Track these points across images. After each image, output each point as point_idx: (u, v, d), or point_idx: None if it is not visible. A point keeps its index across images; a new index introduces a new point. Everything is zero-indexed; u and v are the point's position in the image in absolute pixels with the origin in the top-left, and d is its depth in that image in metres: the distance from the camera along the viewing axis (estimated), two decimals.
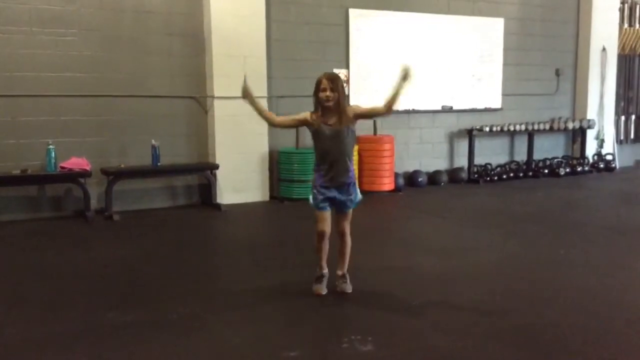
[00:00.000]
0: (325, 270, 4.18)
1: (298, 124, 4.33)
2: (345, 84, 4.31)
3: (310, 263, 4.35)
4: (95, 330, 3.49)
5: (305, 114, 4.09)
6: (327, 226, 4.06)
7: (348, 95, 8.55)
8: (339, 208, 4.12)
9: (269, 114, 4.19)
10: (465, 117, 9.61)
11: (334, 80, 3.97)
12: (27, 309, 3.90)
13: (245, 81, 4.07)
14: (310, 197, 4.09)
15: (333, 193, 4.03)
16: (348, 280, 4.18)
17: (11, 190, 6.70)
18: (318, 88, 3.98)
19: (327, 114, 4.00)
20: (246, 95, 4.04)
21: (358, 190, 4.16)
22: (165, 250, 5.50)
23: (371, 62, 8.70)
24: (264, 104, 7.70)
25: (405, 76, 3.93)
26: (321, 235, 4.09)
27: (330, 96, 3.92)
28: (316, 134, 4.06)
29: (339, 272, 4.20)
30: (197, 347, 3.26)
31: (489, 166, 9.67)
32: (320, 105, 4.00)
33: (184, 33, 7.49)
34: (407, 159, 9.13)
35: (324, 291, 4.11)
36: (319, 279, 4.17)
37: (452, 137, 9.64)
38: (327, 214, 4.08)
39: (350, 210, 4.14)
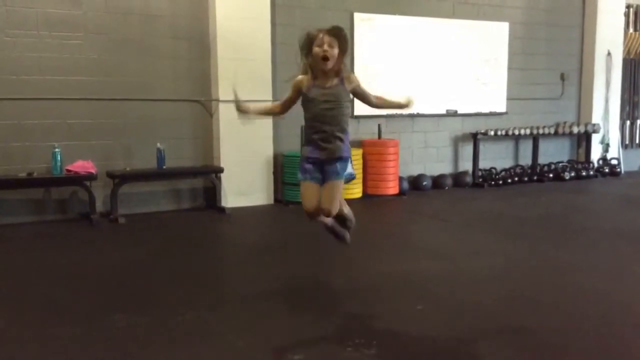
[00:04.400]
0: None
1: (296, 96, 3.60)
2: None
3: (313, 266, 4.36)
4: (100, 333, 3.50)
5: (296, 81, 3.49)
6: (313, 202, 3.44)
7: (353, 101, 8.58)
8: (325, 177, 3.47)
9: (268, 108, 3.86)
10: (470, 121, 9.60)
11: (337, 35, 3.34)
12: (31, 311, 3.92)
13: (236, 96, 3.59)
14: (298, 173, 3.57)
15: (321, 163, 3.49)
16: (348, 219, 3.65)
17: (17, 193, 6.72)
18: (311, 42, 3.34)
19: (322, 76, 3.41)
20: (242, 109, 3.60)
21: (350, 167, 3.60)
22: (170, 254, 5.51)
23: (376, 66, 8.70)
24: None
25: (405, 105, 3.74)
26: (309, 215, 3.49)
27: (328, 52, 3.31)
28: (306, 99, 3.48)
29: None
30: (202, 350, 3.27)
31: (493, 170, 9.66)
32: (313, 65, 3.38)
33: (190, 36, 7.51)
34: (411, 163, 9.14)
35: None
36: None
37: (457, 141, 9.64)
38: (314, 187, 3.46)
39: (339, 184, 3.48)
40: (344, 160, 3.53)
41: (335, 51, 3.34)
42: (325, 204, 3.43)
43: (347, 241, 3.80)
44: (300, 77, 3.51)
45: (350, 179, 3.62)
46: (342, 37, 3.39)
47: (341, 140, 3.50)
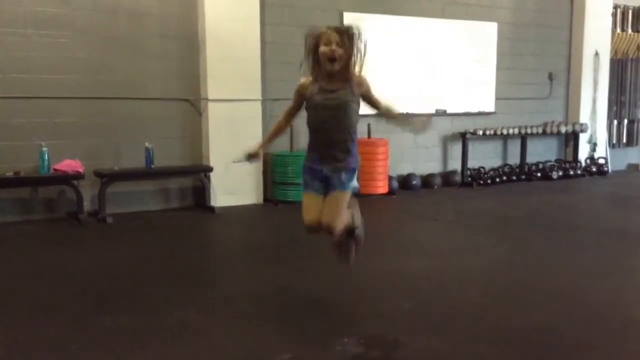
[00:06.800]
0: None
1: (300, 104, 3.33)
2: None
3: (302, 265, 4.35)
4: (88, 334, 3.48)
5: (299, 86, 3.23)
6: (314, 215, 3.17)
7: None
8: (329, 188, 3.21)
9: (275, 129, 3.51)
10: (459, 121, 9.64)
11: (344, 33, 3.03)
12: (18, 312, 3.89)
13: (242, 158, 3.42)
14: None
15: (325, 173, 3.22)
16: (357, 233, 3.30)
17: (4, 192, 6.66)
18: (318, 41, 3.07)
19: (328, 77, 3.12)
20: (256, 154, 3.49)
21: (355, 179, 3.35)
22: (158, 253, 5.48)
23: (365, 66, 8.70)
24: (257, 107, 7.78)
25: (418, 129, 3.40)
26: (309, 229, 3.23)
27: (336, 52, 3.01)
28: (310, 104, 3.20)
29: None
30: (191, 351, 3.26)
31: (482, 169, 9.70)
32: (319, 65, 3.10)
33: (179, 35, 7.48)
34: (401, 162, 9.15)
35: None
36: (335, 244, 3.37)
37: (446, 141, 9.67)
38: (316, 199, 3.20)
39: (344, 196, 3.18)
40: (351, 171, 3.28)
41: (343, 51, 3.06)
42: (327, 217, 3.11)
43: (350, 261, 3.51)
44: (303, 80, 3.25)
45: (353, 192, 3.33)
46: (352, 36, 3.09)
47: (347, 151, 3.25)
